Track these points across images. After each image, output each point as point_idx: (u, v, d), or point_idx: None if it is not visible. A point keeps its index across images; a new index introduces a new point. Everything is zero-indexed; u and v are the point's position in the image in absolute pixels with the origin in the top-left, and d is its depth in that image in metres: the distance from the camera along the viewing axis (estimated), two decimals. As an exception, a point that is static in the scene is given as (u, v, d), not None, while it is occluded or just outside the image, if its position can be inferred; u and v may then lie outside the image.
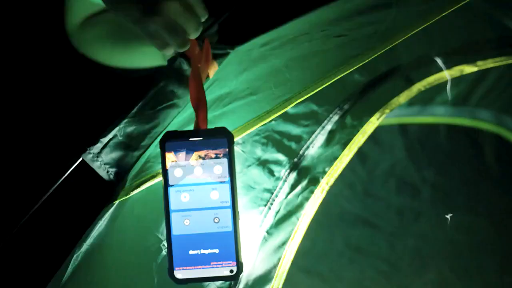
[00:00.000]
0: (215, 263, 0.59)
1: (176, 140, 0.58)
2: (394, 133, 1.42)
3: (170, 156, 0.58)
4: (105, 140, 0.65)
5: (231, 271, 0.59)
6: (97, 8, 0.89)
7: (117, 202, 0.64)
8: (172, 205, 0.58)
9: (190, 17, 0.58)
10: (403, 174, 1.43)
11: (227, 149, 0.59)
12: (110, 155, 0.66)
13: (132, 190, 0.64)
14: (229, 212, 0.59)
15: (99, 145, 0.65)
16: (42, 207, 0.61)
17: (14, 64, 0.97)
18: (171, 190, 0.58)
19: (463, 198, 1.42)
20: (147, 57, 0.69)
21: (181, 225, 0.58)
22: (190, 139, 0.59)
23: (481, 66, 0.74)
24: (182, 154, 0.58)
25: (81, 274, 0.62)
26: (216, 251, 0.59)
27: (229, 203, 0.59)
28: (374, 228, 1.43)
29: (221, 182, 0.59)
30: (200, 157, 0.59)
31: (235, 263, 0.59)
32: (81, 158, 0.64)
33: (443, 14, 0.65)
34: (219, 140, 0.59)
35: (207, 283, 0.64)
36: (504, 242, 1.42)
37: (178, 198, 0.58)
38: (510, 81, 1.25)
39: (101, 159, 0.65)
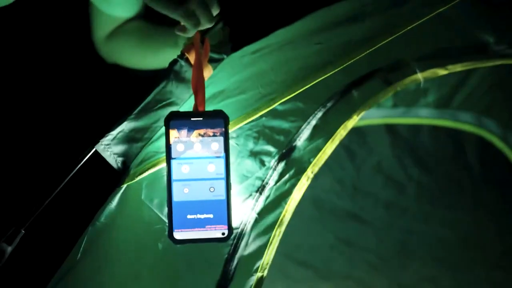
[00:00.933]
0: (209, 226, 0.67)
1: (179, 119, 0.66)
2: (381, 133, 1.50)
3: (173, 133, 0.66)
4: (114, 133, 0.73)
5: (223, 233, 0.67)
6: (121, 21, 0.99)
7: (124, 186, 0.72)
8: (174, 175, 0.66)
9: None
10: (390, 171, 1.51)
11: (223, 129, 0.67)
12: (118, 146, 0.73)
13: (137, 176, 0.72)
14: (223, 183, 0.67)
15: (109, 137, 0.73)
16: (61, 191, 0.69)
17: (43, 71, 1.07)
18: (173, 162, 0.66)
19: (446, 195, 1.51)
20: (171, 57, 0.78)
21: (181, 192, 0.66)
22: (192, 118, 0.67)
23: (451, 70, 0.82)
24: (184, 132, 0.67)
25: (94, 249, 0.70)
26: (211, 216, 0.67)
27: (223, 175, 0.67)
28: (362, 222, 1.51)
29: (217, 157, 0.67)
30: (199, 134, 0.67)
31: (226, 226, 0.67)
32: (94, 149, 0.72)
33: (409, 28, 0.74)
34: (217, 120, 0.67)
35: None
36: (485, 236, 1.50)
37: (179, 169, 0.66)
38: (489, 86, 1.33)
39: (110, 149, 0.73)
